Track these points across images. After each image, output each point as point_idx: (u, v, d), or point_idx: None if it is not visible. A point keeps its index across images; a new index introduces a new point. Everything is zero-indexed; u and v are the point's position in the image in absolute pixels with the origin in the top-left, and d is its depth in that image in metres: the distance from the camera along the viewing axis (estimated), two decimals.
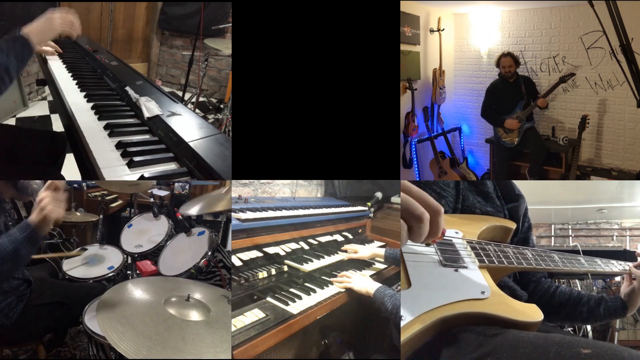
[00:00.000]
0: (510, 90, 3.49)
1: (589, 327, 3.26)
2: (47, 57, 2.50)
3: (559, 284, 1.62)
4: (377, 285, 1.53)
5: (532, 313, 1.10)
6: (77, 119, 1.80)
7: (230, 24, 4.43)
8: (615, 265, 1.51)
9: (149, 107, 1.87)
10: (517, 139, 3.52)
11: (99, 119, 1.83)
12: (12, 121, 4.25)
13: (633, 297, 1.44)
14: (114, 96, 2.15)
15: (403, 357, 1.01)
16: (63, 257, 2.36)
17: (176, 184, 4.00)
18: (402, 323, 1.00)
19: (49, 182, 1.40)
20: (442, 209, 0.87)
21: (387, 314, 1.40)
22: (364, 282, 1.61)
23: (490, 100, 3.60)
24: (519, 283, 1.54)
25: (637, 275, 1.44)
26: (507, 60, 3.46)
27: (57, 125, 4.13)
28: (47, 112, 4.55)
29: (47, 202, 1.36)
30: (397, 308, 1.34)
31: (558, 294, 1.56)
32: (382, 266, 2.04)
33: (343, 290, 1.66)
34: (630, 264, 1.51)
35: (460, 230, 1.38)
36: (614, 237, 5.41)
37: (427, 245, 1.08)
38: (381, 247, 2.44)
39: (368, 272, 1.96)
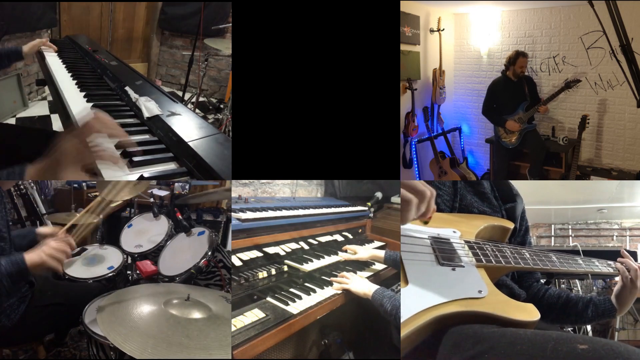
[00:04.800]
0: (513, 89, 3.47)
1: (589, 328, 3.26)
2: (46, 54, 2.50)
3: (548, 286, 1.61)
4: (376, 287, 1.52)
5: (529, 312, 1.10)
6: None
7: (230, 24, 4.43)
8: (613, 266, 1.51)
9: (149, 107, 1.87)
10: (516, 140, 3.51)
11: None
12: (12, 121, 4.24)
13: (622, 295, 1.42)
14: (114, 96, 2.15)
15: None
16: None
17: (176, 184, 4.00)
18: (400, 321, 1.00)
19: (63, 230, 1.37)
20: (426, 195, 1.08)
21: (387, 316, 1.39)
22: (362, 284, 1.59)
23: (491, 98, 3.58)
24: (515, 283, 1.54)
25: (621, 269, 1.43)
26: (524, 61, 3.42)
27: (57, 125, 4.12)
28: (47, 112, 4.55)
29: (53, 252, 1.34)
30: (396, 309, 1.33)
31: (547, 297, 1.55)
32: (381, 267, 2.04)
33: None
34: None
35: (458, 230, 1.38)
36: (614, 237, 5.41)
37: (425, 223, 1.20)
38: (381, 247, 2.44)
39: (366, 274, 1.96)
